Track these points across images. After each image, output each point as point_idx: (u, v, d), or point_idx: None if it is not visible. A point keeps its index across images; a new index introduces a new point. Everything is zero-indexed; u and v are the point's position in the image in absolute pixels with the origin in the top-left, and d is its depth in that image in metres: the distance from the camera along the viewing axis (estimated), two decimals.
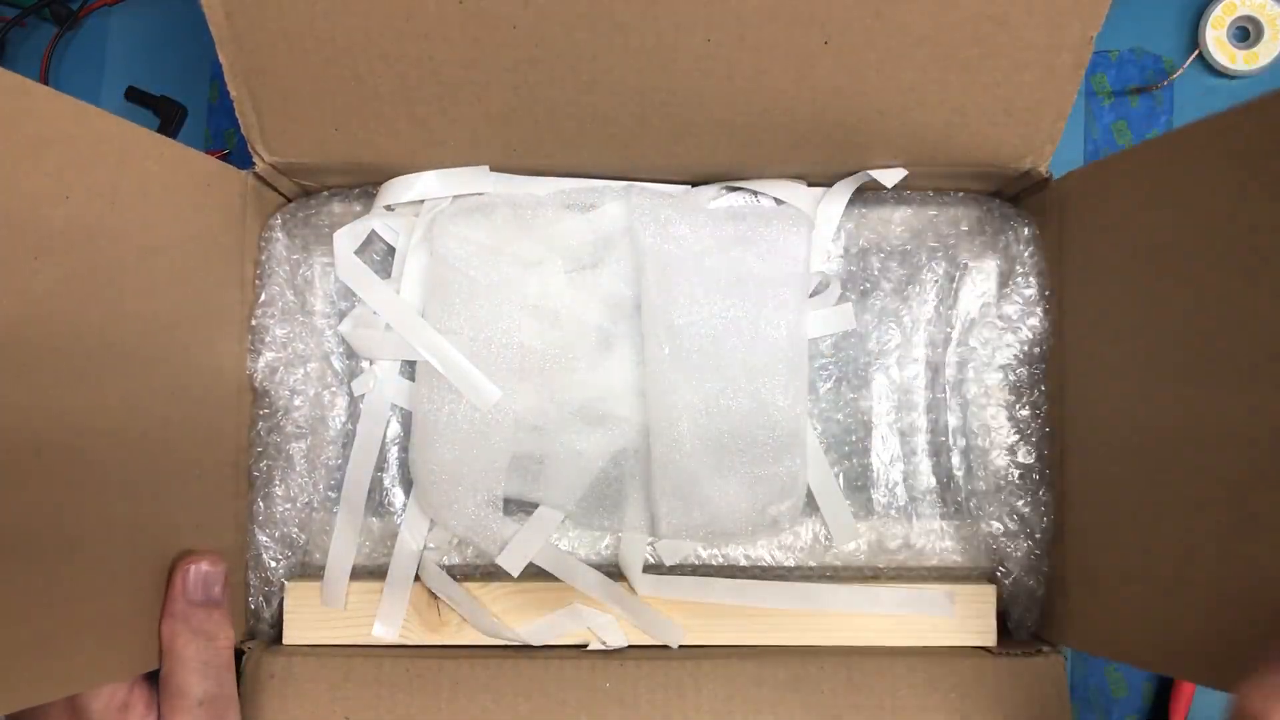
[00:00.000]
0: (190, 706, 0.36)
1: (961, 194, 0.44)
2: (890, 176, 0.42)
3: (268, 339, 0.41)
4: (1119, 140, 0.51)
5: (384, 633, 0.41)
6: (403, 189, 0.42)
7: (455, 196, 0.43)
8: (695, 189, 0.44)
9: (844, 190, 0.43)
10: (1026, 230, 0.43)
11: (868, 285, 0.44)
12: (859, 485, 0.43)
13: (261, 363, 0.41)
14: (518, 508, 0.43)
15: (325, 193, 0.44)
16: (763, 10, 0.36)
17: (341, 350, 0.43)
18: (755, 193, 0.44)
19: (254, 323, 0.42)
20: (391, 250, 0.43)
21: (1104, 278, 0.39)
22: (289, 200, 0.45)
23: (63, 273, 0.33)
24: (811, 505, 0.43)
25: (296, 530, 0.42)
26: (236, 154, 0.56)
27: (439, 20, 0.37)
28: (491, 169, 0.42)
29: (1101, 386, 0.39)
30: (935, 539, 0.43)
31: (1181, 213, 0.34)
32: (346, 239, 0.43)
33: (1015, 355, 0.42)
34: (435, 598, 0.42)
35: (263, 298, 0.42)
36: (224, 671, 0.37)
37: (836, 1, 0.36)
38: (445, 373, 0.41)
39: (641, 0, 0.36)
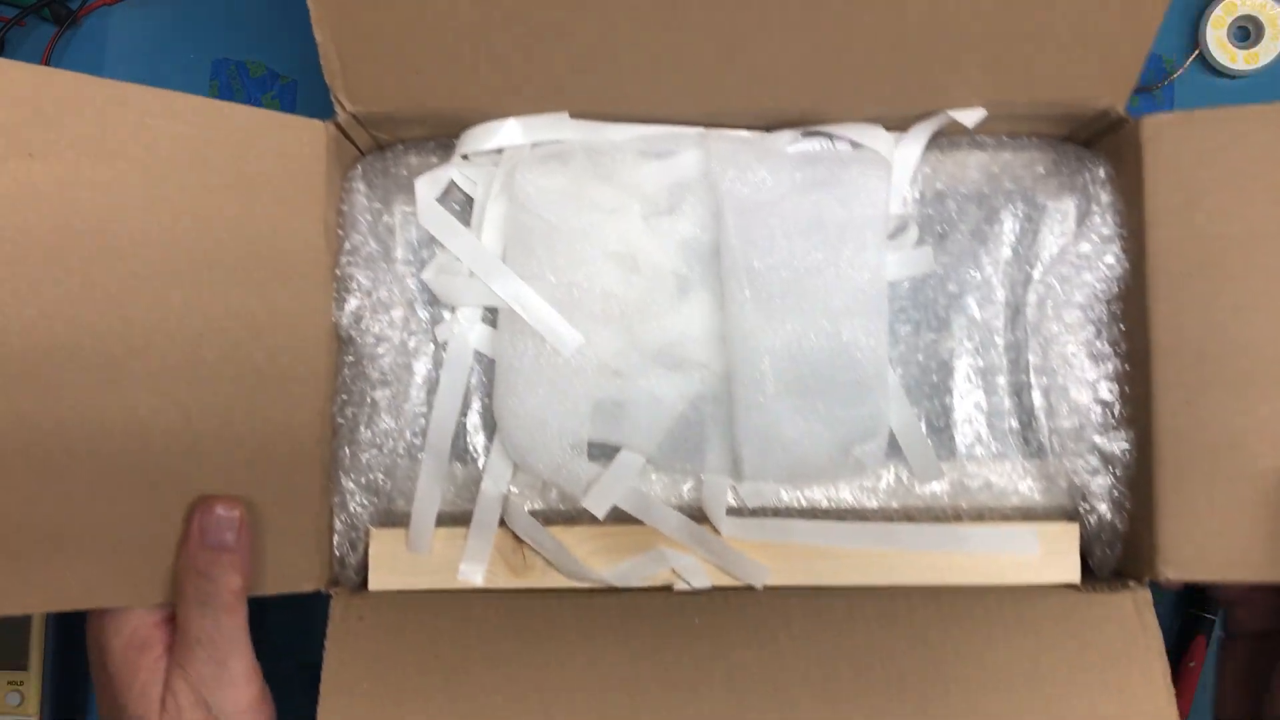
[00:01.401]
0: (189, 644, 0.36)
1: (1036, 138, 0.45)
2: (969, 117, 0.42)
3: (353, 286, 0.42)
4: None
5: (470, 573, 0.41)
6: (482, 137, 0.43)
7: (534, 145, 0.43)
8: (772, 134, 0.44)
9: (922, 133, 0.43)
10: (1102, 171, 0.43)
11: (945, 228, 0.44)
12: (940, 426, 0.43)
13: (347, 309, 0.42)
14: (600, 452, 0.43)
15: (400, 145, 0.45)
16: None
17: (425, 298, 0.43)
18: (832, 137, 0.44)
19: (339, 271, 0.42)
20: (469, 200, 0.44)
21: (1198, 216, 0.39)
22: (364, 154, 0.45)
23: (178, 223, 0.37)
24: (894, 447, 0.43)
25: (382, 476, 0.42)
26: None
27: None
28: (570, 115, 0.43)
29: (1197, 319, 0.39)
30: (1017, 478, 0.43)
31: None
32: (428, 186, 0.43)
33: (1094, 293, 0.42)
34: (520, 542, 0.42)
35: (347, 246, 0.42)
36: (223, 614, 0.37)
37: None
38: (527, 318, 0.41)
39: None
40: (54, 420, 0.36)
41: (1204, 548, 0.38)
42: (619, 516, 0.42)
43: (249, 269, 0.39)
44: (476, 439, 0.43)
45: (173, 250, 0.38)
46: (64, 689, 0.49)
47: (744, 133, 0.44)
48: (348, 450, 0.42)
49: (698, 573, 0.41)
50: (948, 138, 0.44)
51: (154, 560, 0.38)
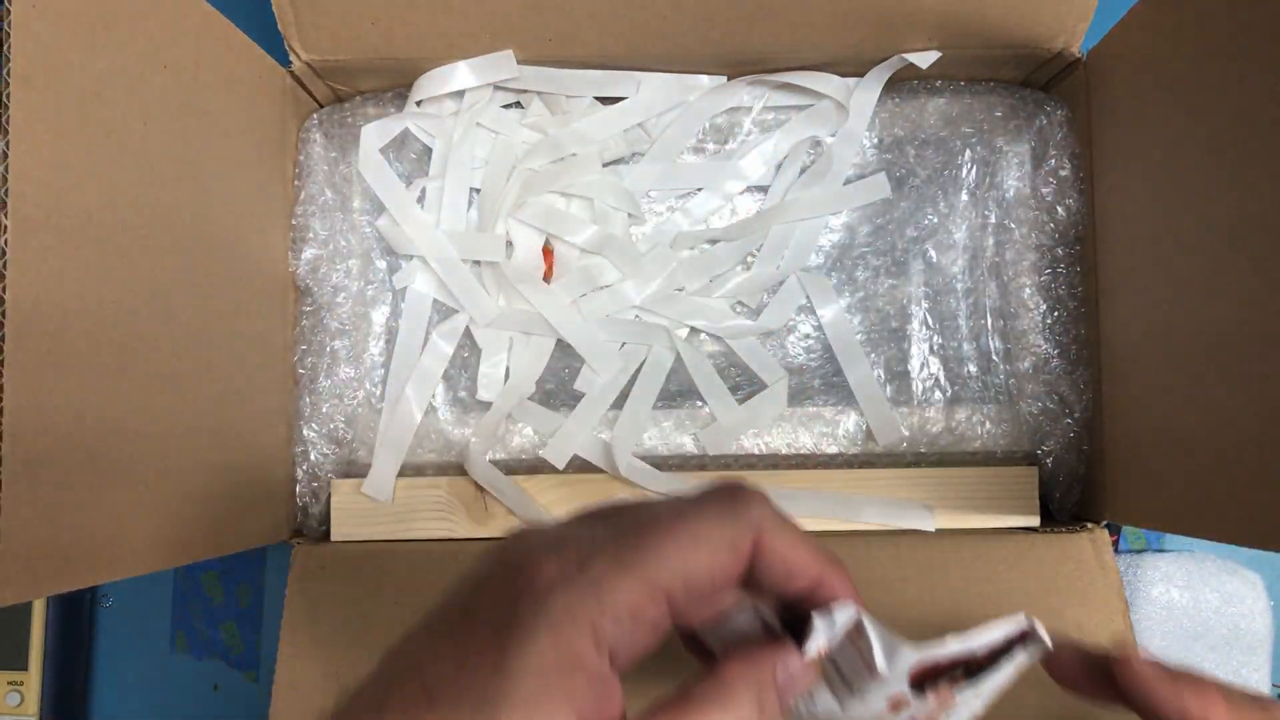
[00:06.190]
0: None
1: (993, 84, 0.44)
2: (924, 59, 0.42)
3: (309, 236, 0.42)
4: None
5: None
6: (436, 83, 0.42)
7: (492, 93, 0.43)
8: (730, 82, 0.44)
9: (878, 77, 0.43)
10: (1059, 113, 0.43)
11: (904, 172, 0.44)
12: (900, 371, 0.43)
13: (304, 258, 0.41)
14: (561, 402, 0.43)
15: (358, 97, 0.45)
16: None
17: (383, 247, 0.43)
18: (788, 85, 0.43)
19: (295, 220, 0.42)
20: (427, 150, 0.43)
21: (1133, 147, 0.39)
22: (322, 106, 0.45)
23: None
24: (853, 398, 0.43)
25: (343, 426, 0.42)
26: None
27: None
28: (528, 61, 0.42)
29: (1138, 259, 0.39)
30: (977, 423, 0.43)
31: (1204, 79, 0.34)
32: (374, 134, 0.43)
33: (1051, 235, 0.42)
34: (481, 491, 0.42)
35: (303, 195, 0.42)
36: None
37: None
38: (446, 281, 0.42)
39: None
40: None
41: (1148, 496, 0.38)
42: (582, 466, 0.42)
43: (223, 208, 0.38)
44: (437, 389, 0.43)
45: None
46: (64, 689, 0.48)
47: (702, 78, 0.44)
48: (308, 400, 0.42)
49: None
50: (906, 83, 0.44)
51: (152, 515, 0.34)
